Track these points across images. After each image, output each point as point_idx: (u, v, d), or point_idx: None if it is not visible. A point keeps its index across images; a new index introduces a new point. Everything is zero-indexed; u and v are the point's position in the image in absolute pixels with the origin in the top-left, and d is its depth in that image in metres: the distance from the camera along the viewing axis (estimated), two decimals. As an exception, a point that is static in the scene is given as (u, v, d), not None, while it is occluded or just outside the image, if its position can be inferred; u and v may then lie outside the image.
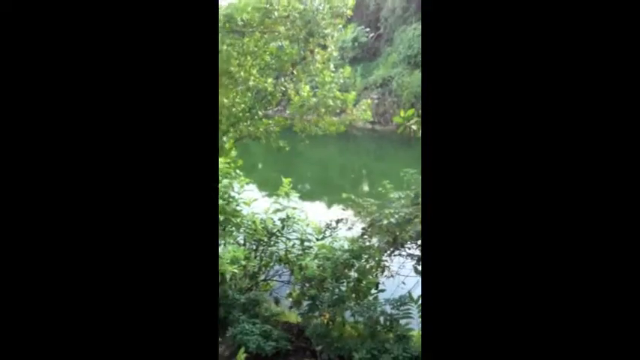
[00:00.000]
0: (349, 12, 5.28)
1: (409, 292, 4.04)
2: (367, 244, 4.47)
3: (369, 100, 6.06)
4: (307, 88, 5.34)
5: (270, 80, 5.25)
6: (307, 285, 4.12)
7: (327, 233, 4.73)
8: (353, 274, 4.23)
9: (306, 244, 4.61)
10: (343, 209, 5.84)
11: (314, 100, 5.25)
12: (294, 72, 5.32)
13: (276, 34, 5.06)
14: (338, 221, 4.76)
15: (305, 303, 4.05)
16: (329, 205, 10.65)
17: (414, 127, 3.54)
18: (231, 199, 4.15)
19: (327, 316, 3.83)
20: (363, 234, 4.58)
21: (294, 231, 4.76)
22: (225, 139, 5.00)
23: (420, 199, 4.45)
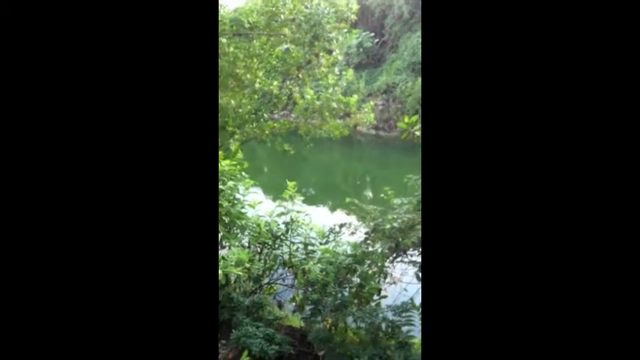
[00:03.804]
0: (353, 16, 5.29)
1: (411, 299, 4.01)
2: (370, 249, 4.45)
3: (371, 103, 6.07)
4: (311, 91, 5.34)
5: (275, 83, 5.26)
6: (310, 289, 4.09)
7: (331, 238, 4.71)
8: (355, 279, 4.20)
9: (309, 248, 4.58)
10: (347, 214, 5.83)
11: (318, 103, 5.25)
12: (300, 75, 5.33)
13: (282, 37, 5.07)
14: (341, 226, 4.74)
15: (308, 307, 4.02)
16: (332, 210, 10.63)
17: (417, 133, 3.53)
18: (236, 201, 4.14)
19: (330, 321, 3.80)
20: (366, 239, 4.56)
21: (298, 235, 4.74)
22: (231, 141, 4.99)
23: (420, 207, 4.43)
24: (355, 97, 5.69)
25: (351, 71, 5.87)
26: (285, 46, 5.26)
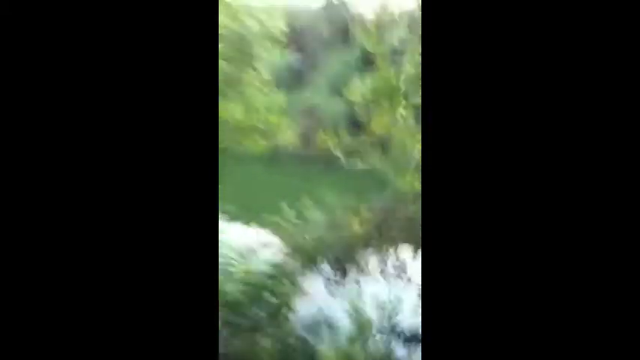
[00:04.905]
0: (282, 37, 5.40)
1: (321, 312, 4.11)
2: (286, 266, 4.50)
3: (295, 124, 6.18)
4: (238, 109, 5.31)
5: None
6: (226, 310, 4.02)
7: (249, 256, 4.68)
8: (270, 297, 4.21)
9: (229, 268, 4.50)
10: (266, 231, 5.81)
11: (244, 121, 5.23)
12: (225, 92, 5.28)
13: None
14: (260, 244, 4.75)
15: (225, 330, 3.94)
16: (251, 227, 10.46)
17: (337, 154, 3.69)
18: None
19: (245, 341, 3.77)
20: (283, 256, 4.60)
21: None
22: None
23: (337, 223, 4.60)
24: (280, 117, 5.76)
25: (279, 92, 5.94)
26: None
